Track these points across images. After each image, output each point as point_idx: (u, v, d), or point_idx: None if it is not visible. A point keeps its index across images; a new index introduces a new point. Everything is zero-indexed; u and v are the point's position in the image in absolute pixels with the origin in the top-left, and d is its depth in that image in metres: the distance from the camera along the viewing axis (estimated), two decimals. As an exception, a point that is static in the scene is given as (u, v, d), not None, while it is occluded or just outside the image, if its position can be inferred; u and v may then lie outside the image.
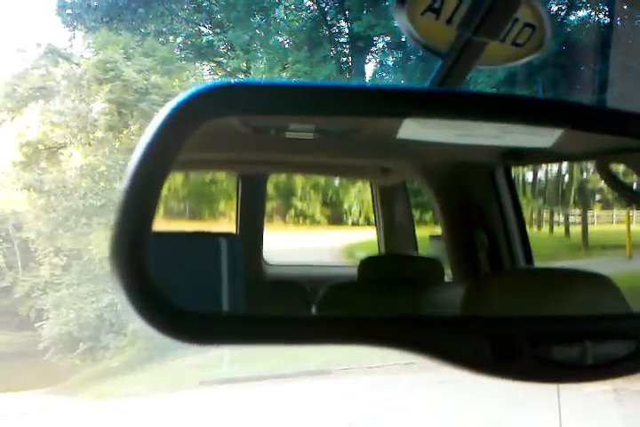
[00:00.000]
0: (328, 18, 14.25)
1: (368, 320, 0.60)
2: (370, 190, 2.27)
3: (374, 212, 2.24)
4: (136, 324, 0.57)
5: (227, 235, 1.28)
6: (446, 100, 0.65)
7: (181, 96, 0.57)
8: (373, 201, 2.25)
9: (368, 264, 1.50)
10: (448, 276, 1.52)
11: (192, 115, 0.57)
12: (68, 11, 14.99)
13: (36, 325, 12.08)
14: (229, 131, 1.07)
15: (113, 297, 11.35)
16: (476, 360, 0.59)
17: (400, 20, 0.98)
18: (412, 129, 0.74)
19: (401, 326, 0.59)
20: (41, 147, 12.55)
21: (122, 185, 0.55)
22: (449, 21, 0.98)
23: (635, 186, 1.07)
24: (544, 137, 0.74)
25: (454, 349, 0.58)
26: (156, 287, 0.54)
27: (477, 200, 1.46)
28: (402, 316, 0.62)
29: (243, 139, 1.19)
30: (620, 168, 1.12)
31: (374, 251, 2.22)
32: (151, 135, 0.55)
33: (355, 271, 1.43)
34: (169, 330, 0.56)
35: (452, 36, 0.97)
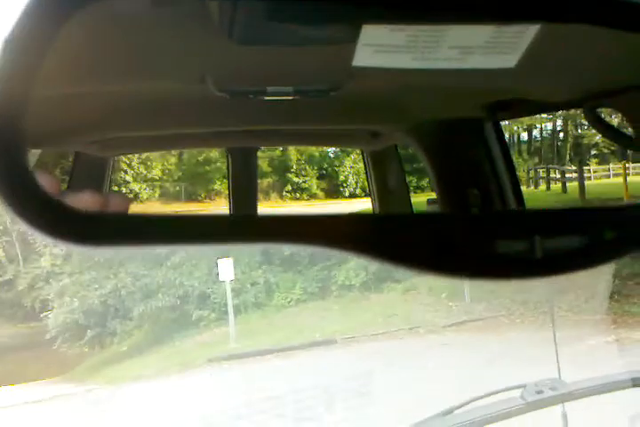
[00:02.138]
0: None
1: (293, 218, 0.56)
2: (362, 158, 2.25)
3: (367, 179, 2.22)
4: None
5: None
6: None
7: None
8: (366, 168, 2.23)
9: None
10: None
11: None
12: None
13: (42, 315, 12.16)
14: (207, 99, 1.05)
15: (116, 283, 11.42)
16: (415, 257, 0.56)
17: None
18: (367, 54, 0.70)
19: (350, 224, 0.56)
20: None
21: None
22: None
23: (624, 130, 1.05)
24: (509, 54, 0.71)
25: (392, 247, 0.56)
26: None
27: (468, 157, 1.44)
28: (347, 215, 0.59)
29: (223, 107, 1.17)
30: (608, 113, 1.10)
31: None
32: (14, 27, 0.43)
33: None
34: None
35: None
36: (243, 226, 0.53)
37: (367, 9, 0.57)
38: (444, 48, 0.68)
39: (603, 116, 1.08)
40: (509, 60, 0.71)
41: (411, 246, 0.55)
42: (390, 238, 0.55)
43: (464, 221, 0.64)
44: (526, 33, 0.67)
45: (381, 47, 0.68)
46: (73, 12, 0.44)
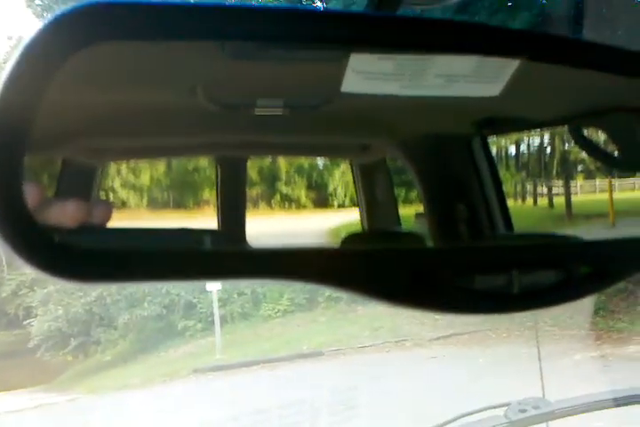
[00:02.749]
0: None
1: (284, 253, 0.56)
2: (350, 170, 2.26)
3: (356, 191, 2.23)
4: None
5: (212, 232, 1.26)
6: (388, 25, 0.58)
7: (43, 23, 0.48)
8: (354, 180, 2.24)
9: (350, 241, 1.50)
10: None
11: (58, 43, 0.48)
12: (38, 2, 14.72)
13: (25, 323, 12.02)
14: (197, 110, 1.05)
15: (101, 291, 11.33)
16: (393, 292, 0.56)
17: None
18: (356, 81, 0.71)
19: (321, 258, 0.57)
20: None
21: None
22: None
23: (609, 149, 1.07)
24: (493, 84, 0.72)
25: (373, 281, 0.56)
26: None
27: (455, 171, 1.46)
28: (319, 248, 0.59)
29: (213, 119, 1.18)
30: (594, 133, 1.11)
31: (359, 229, 2.21)
32: (11, 67, 0.45)
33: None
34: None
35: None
36: (228, 261, 0.53)
37: (356, 46, 0.59)
38: (431, 76, 0.70)
39: (588, 134, 1.10)
40: (494, 89, 0.73)
41: (392, 283, 0.56)
42: (372, 274, 0.56)
43: (445, 253, 0.65)
44: (510, 63, 0.69)
45: (370, 74, 0.69)
46: (79, 51, 0.48)
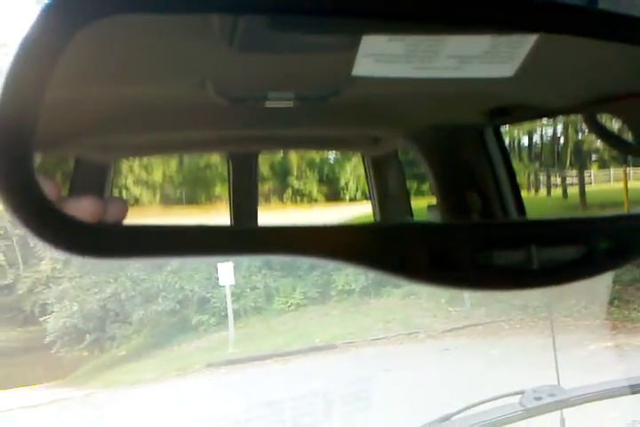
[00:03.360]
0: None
1: (293, 229, 0.56)
2: (362, 163, 2.26)
3: (368, 183, 2.22)
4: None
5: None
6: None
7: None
8: (366, 173, 2.23)
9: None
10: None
11: (67, 15, 0.46)
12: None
13: (41, 319, 12.14)
14: (208, 105, 1.05)
15: (116, 287, 11.41)
16: (412, 268, 0.56)
17: None
18: (367, 64, 0.70)
19: (341, 235, 0.56)
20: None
21: None
22: None
23: (624, 136, 1.05)
24: (507, 64, 0.71)
25: (390, 257, 0.55)
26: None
27: (468, 162, 1.45)
28: (344, 225, 0.59)
29: (223, 113, 1.17)
30: (607, 120, 1.10)
31: (371, 222, 2.21)
32: (22, 46, 0.45)
33: None
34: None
35: None
36: (244, 237, 0.53)
37: (367, 20, 0.57)
38: (443, 57, 0.69)
39: (602, 121, 1.08)
40: (507, 70, 0.72)
41: (410, 257, 0.55)
42: (390, 249, 0.55)
43: (461, 229, 0.64)
44: (524, 43, 0.67)
45: (381, 57, 0.68)
46: (83, 26, 0.46)
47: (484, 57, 0.69)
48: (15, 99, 0.45)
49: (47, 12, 0.46)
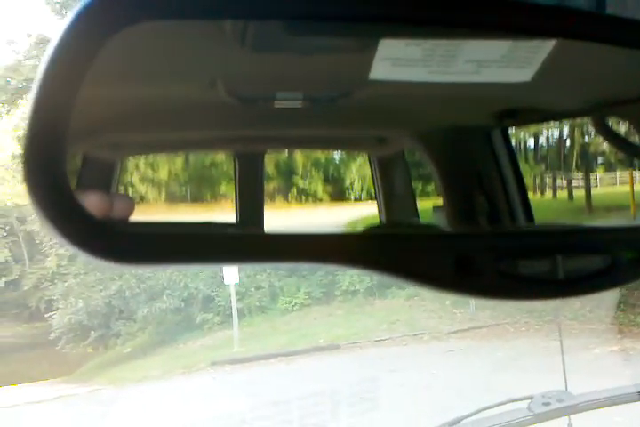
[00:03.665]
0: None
1: (316, 236, 0.56)
2: (368, 163, 2.26)
3: (374, 184, 2.22)
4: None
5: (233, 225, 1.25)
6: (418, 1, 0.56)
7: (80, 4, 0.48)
8: (372, 173, 2.23)
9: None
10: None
11: (97, 24, 0.48)
12: (57, -1, 14.83)
13: (47, 315, 12.19)
14: (217, 105, 1.05)
15: (121, 284, 11.45)
16: (437, 276, 0.56)
17: None
18: (384, 68, 0.70)
19: (365, 243, 0.56)
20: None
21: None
22: None
23: (633, 139, 1.05)
24: (525, 68, 0.71)
25: (416, 265, 0.55)
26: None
27: (475, 164, 1.44)
28: (366, 233, 0.59)
29: (232, 112, 1.18)
30: (616, 122, 1.10)
31: (377, 222, 2.21)
32: (52, 54, 0.46)
33: None
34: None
35: None
36: (249, 245, 0.53)
37: (384, 25, 0.57)
38: (461, 62, 0.69)
39: (610, 124, 1.08)
40: (525, 74, 0.71)
41: (423, 264, 0.55)
42: (412, 257, 0.55)
43: (485, 238, 0.64)
44: (543, 48, 0.67)
45: (398, 61, 0.68)
46: (116, 34, 0.49)
47: (502, 61, 0.69)
48: (49, 103, 0.47)
49: (78, 20, 0.48)
